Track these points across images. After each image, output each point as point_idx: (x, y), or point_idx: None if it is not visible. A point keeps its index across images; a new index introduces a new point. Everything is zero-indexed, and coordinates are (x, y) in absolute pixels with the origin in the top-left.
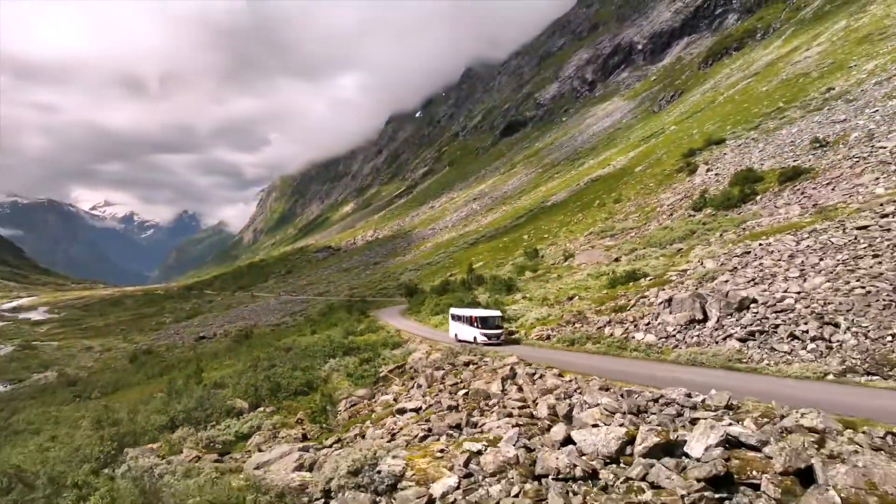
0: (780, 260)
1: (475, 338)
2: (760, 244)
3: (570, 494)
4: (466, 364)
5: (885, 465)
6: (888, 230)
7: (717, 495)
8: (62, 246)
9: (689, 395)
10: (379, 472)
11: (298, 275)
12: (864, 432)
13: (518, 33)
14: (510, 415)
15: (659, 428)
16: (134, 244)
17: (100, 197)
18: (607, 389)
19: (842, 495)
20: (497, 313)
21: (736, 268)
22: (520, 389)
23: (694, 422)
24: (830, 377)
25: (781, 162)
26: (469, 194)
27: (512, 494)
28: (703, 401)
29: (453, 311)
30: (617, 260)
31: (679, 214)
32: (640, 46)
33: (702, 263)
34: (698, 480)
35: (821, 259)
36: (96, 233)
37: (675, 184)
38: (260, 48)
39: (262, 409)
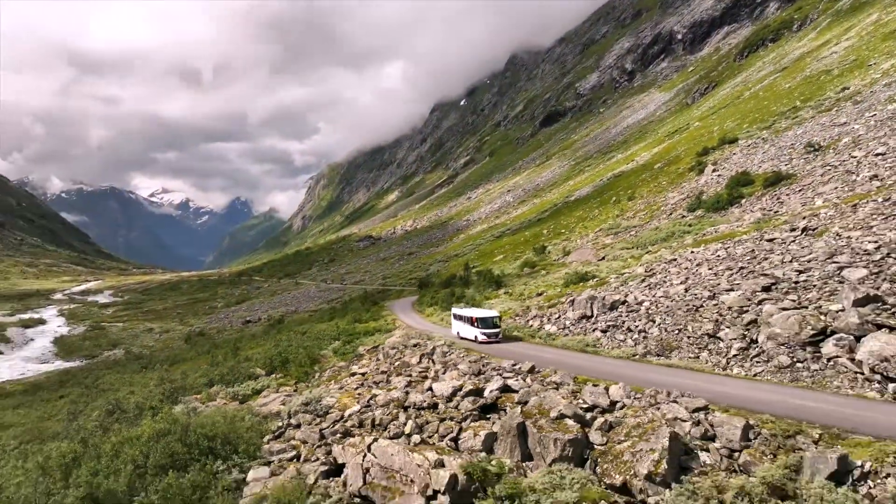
0: (685, 268)
1: (476, 336)
2: (692, 252)
3: (415, 414)
4: (414, 346)
5: (554, 396)
6: (783, 243)
7: (485, 414)
8: (122, 231)
9: (514, 364)
10: (320, 403)
11: (340, 263)
12: (581, 383)
13: (563, 19)
14: (410, 375)
15: (476, 381)
16: (190, 230)
17: (157, 184)
18: (476, 361)
19: (523, 410)
20: (495, 314)
21: (654, 273)
22: (430, 362)
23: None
24: (636, 357)
25: (776, 165)
26: (504, 186)
27: (385, 414)
28: (519, 367)
29: (455, 311)
30: (602, 259)
31: (676, 215)
32: (679, 36)
33: (638, 268)
34: (477, 407)
35: (710, 269)
36: (154, 219)
37: (684, 183)
38: (309, 39)
39: (273, 375)
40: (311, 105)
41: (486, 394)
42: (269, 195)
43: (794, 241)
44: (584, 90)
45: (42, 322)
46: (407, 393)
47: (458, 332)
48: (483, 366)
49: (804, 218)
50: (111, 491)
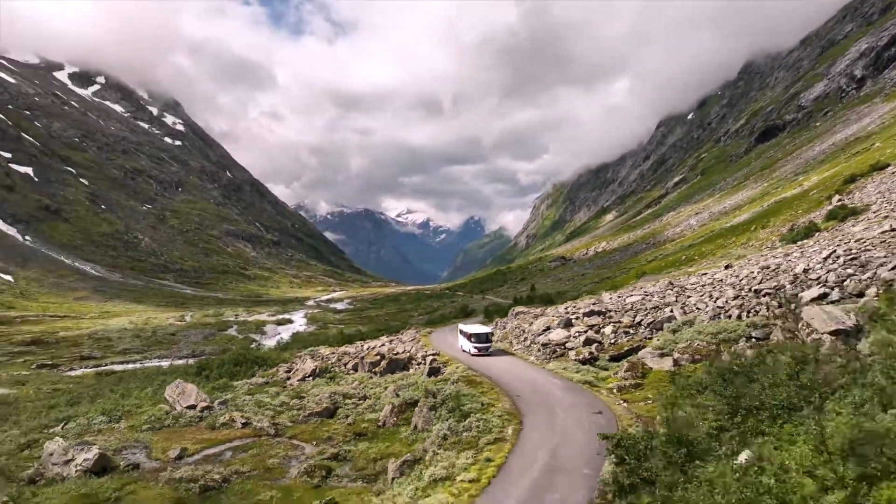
0: (621, 294)
1: (470, 349)
2: (669, 282)
3: (346, 357)
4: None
5: (381, 349)
6: (704, 274)
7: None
8: (374, 248)
9: (410, 340)
10: (317, 352)
11: (528, 281)
12: (439, 358)
13: (807, 17)
14: (363, 344)
15: (385, 347)
16: (429, 247)
17: (403, 205)
18: (393, 341)
19: (369, 353)
20: (488, 330)
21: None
22: (388, 339)
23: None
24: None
25: (881, 199)
26: (695, 209)
27: (334, 356)
28: (412, 343)
29: (460, 327)
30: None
31: (768, 246)
32: None
33: (606, 292)
34: (370, 355)
35: (626, 296)
36: (400, 237)
37: (814, 212)
38: (538, 62)
39: (329, 347)
40: (540, 125)
41: (377, 350)
42: (499, 214)
43: (713, 276)
44: (806, 101)
45: (290, 322)
46: (353, 349)
47: (461, 346)
48: (392, 342)
49: (766, 256)
50: (210, 366)
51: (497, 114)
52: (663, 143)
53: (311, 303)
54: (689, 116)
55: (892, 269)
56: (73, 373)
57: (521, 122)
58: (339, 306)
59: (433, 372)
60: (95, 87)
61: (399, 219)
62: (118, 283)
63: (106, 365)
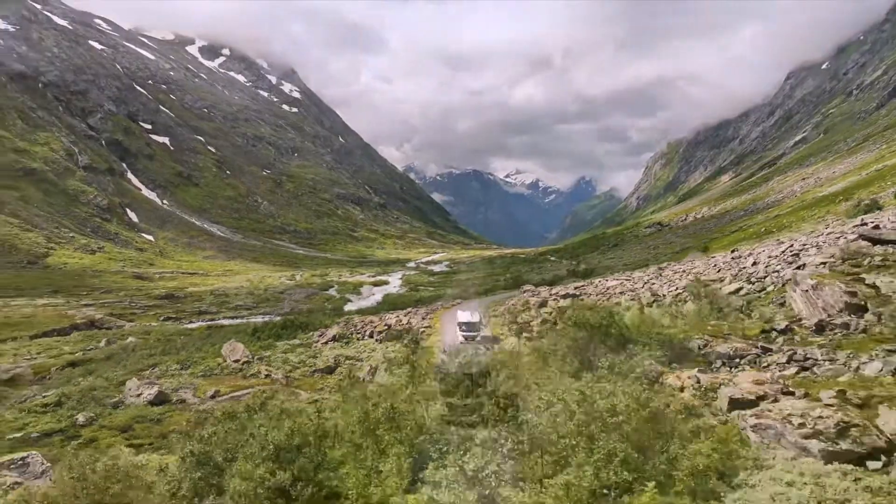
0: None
1: (459, 337)
2: (658, 268)
3: (370, 325)
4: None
5: (391, 321)
6: (724, 258)
7: (388, 328)
8: (481, 209)
9: (423, 316)
10: (352, 319)
11: (622, 248)
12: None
13: None
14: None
15: (395, 319)
16: (538, 208)
17: (512, 166)
18: (408, 314)
19: (379, 323)
20: (476, 319)
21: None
22: (406, 315)
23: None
24: (494, 322)
25: None
26: (802, 174)
27: (361, 322)
28: (411, 317)
29: (458, 313)
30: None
31: (832, 221)
32: None
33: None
34: (384, 326)
35: (612, 280)
36: (508, 198)
37: None
38: (655, 11)
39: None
40: (655, 79)
41: (386, 323)
42: (611, 175)
43: (691, 264)
44: None
45: (386, 283)
46: (377, 319)
47: (457, 332)
48: (408, 316)
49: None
50: (264, 329)
51: (610, 69)
52: (791, 97)
53: (411, 265)
54: (823, 66)
55: (796, 268)
56: (190, 325)
57: (636, 76)
58: (437, 268)
59: (415, 342)
60: (221, 59)
61: (508, 179)
62: (240, 243)
63: (218, 320)
